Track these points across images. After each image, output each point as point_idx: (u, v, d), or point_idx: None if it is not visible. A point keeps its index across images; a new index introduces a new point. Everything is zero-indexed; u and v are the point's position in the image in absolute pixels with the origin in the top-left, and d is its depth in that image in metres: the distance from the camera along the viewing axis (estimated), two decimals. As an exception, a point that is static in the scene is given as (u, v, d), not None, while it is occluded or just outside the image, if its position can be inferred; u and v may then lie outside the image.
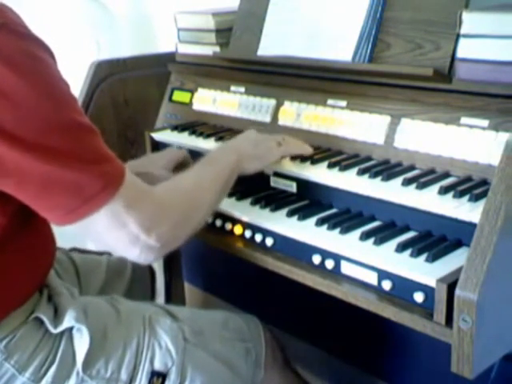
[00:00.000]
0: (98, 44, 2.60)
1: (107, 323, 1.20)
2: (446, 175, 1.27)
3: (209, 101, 1.79)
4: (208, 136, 1.66)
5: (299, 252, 1.23)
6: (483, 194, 1.12)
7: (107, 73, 1.88)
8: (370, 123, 1.41)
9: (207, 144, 1.62)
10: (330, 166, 1.36)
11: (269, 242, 1.28)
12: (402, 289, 1.07)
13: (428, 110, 1.33)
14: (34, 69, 0.96)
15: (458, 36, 1.29)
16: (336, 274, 1.17)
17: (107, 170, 1.01)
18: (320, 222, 1.25)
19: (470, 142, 1.25)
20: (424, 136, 1.32)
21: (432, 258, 1.08)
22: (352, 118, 1.45)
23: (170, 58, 1.96)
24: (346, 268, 1.15)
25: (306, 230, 1.24)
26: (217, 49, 1.82)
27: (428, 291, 1.02)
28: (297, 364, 1.50)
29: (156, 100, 1.94)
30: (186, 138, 1.70)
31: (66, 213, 0.99)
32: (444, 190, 1.18)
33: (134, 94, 1.94)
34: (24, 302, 1.13)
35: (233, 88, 1.75)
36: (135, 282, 1.58)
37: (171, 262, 1.91)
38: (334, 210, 1.33)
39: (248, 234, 1.32)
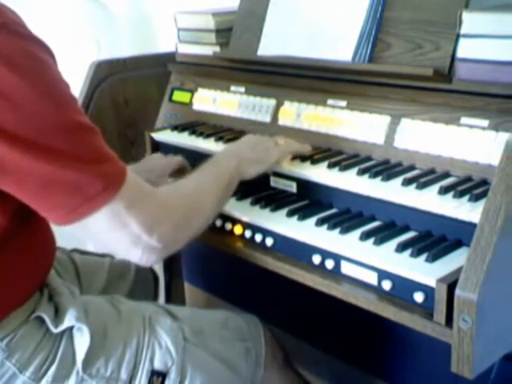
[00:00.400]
0: (98, 44, 2.60)
1: (107, 322, 1.20)
2: (446, 175, 1.27)
3: (209, 101, 1.79)
4: (208, 136, 1.66)
5: (299, 252, 1.23)
6: (483, 194, 1.12)
7: (107, 73, 1.88)
8: (370, 123, 1.41)
9: (207, 144, 1.62)
10: (330, 165, 1.37)
11: (269, 242, 1.28)
12: (402, 289, 1.07)
13: (428, 109, 1.33)
14: (34, 69, 0.96)
15: (458, 36, 1.29)
16: (336, 274, 1.17)
17: (108, 170, 1.01)
18: (320, 222, 1.25)
19: (470, 141, 1.25)
20: (424, 136, 1.32)
21: (432, 258, 1.08)
22: (352, 118, 1.45)
23: (170, 57, 1.96)
24: (346, 268, 1.15)
25: (305, 230, 1.24)
26: (217, 49, 1.82)
27: (428, 291, 1.02)
28: (297, 364, 1.50)
29: (156, 100, 1.94)
30: (186, 138, 1.70)
31: (67, 212, 0.99)
32: (444, 190, 1.18)
33: (134, 93, 1.94)
34: (25, 301, 1.13)
35: (233, 88, 1.75)
36: (138, 284, 1.58)
37: (171, 262, 1.92)
38: (333, 210, 1.33)
39: (248, 234, 1.32)
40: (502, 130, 1.21)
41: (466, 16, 1.27)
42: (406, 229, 1.22)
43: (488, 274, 0.94)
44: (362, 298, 1.11)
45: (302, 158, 1.42)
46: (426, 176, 1.26)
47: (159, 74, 1.95)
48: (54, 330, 1.13)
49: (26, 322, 1.12)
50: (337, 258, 1.16)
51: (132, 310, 1.26)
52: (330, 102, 1.51)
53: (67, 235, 1.38)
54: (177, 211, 1.12)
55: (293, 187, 1.41)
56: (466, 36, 1.28)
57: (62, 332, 1.14)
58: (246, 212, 1.34)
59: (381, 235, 1.17)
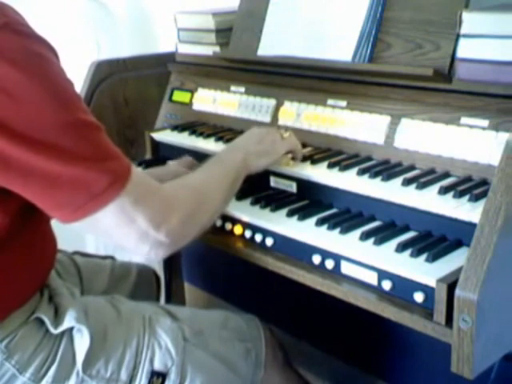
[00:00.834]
0: (97, 44, 2.60)
1: (107, 323, 1.20)
2: (446, 175, 1.27)
3: (209, 101, 1.79)
4: (208, 136, 1.66)
5: (299, 252, 1.23)
6: (483, 194, 1.12)
7: (107, 73, 1.88)
8: (370, 123, 1.41)
9: (207, 144, 1.62)
10: (330, 166, 1.37)
11: (269, 242, 1.28)
12: (402, 289, 1.07)
13: (428, 109, 1.33)
14: (37, 67, 0.96)
15: (458, 36, 1.30)
16: (336, 273, 1.17)
17: (113, 167, 1.01)
18: (320, 222, 1.25)
19: (470, 142, 1.25)
20: (424, 136, 1.32)
21: (432, 258, 1.08)
22: (352, 118, 1.45)
23: (170, 57, 1.97)
24: (346, 268, 1.15)
25: (306, 230, 1.24)
26: (217, 49, 1.82)
27: (428, 291, 1.02)
28: (297, 364, 1.50)
29: (156, 100, 1.94)
30: (186, 138, 1.70)
31: (73, 210, 0.99)
32: (444, 190, 1.18)
33: (134, 93, 1.94)
34: (25, 302, 1.13)
35: (233, 88, 1.75)
36: (140, 285, 1.58)
37: (171, 262, 1.91)
38: (334, 210, 1.33)
39: (248, 234, 1.32)
40: (502, 130, 1.21)
41: (466, 16, 1.27)
42: (406, 229, 1.22)
43: (488, 273, 0.94)
44: (362, 298, 1.11)
45: (302, 158, 1.42)
46: (426, 176, 1.26)
47: (159, 74, 1.95)
48: (54, 331, 1.12)
49: (26, 323, 1.12)
50: (337, 258, 1.16)
51: (132, 310, 1.26)
52: (330, 101, 1.51)
53: (68, 238, 1.39)
54: (184, 206, 1.11)
55: (293, 187, 1.41)
56: (466, 36, 1.28)
57: (62, 333, 1.14)
58: (246, 212, 1.34)
59: (381, 235, 1.17)
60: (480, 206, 1.04)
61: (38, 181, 0.97)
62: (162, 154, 1.79)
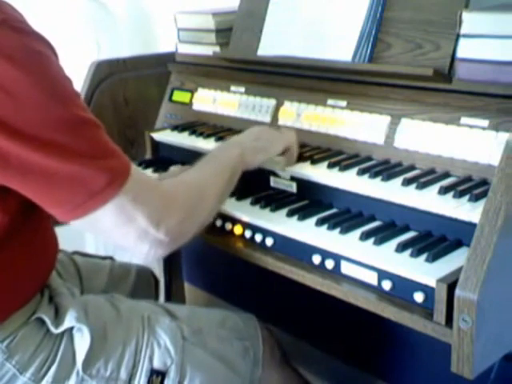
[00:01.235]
0: (98, 44, 2.60)
1: (107, 322, 1.20)
2: (446, 175, 1.27)
3: (209, 101, 1.79)
4: (208, 136, 1.66)
5: (299, 252, 1.23)
6: (483, 194, 1.12)
7: (107, 73, 1.88)
8: (370, 123, 1.41)
9: (207, 144, 1.62)
10: (330, 166, 1.37)
11: (269, 242, 1.28)
12: (402, 289, 1.07)
13: (428, 109, 1.33)
14: (36, 64, 0.96)
15: (458, 36, 1.30)
16: (336, 273, 1.17)
17: (112, 165, 1.01)
18: (320, 222, 1.25)
19: (470, 142, 1.25)
20: (424, 136, 1.32)
21: (432, 258, 1.08)
22: (352, 118, 1.45)
23: (169, 57, 1.96)
24: (346, 268, 1.15)
25: (306, 230, 1.24)
26: (217, 49, 1.82)
27: (428, 291, 1.02)
28: (296, 364, 1.50)
29: (156, 100, 1.94)
30: (186, 138, 1.70)
31: (72, 208, 0.99)
32: (444, 190, 1.18)
33: (134, 93, 1.94)
34: (26, 303, 1.13)
35: (233, 88, 1.75)
36: (139, 286, 1.58)
37: (171, 262, 1.92)
38: (333, 210, 1.33)
39: (248, 234, 1.32)
40: (502, 130, 1.21)
41: (466, 16, 1.27)
42: (406, 229, 1.22)
43: (488, 273, 0.94)
44: (362, 298, 1.11)
45: (302, 157, 1.42)
46: (426, 176, 1.26)
47: (159, 74, 1.95)
48: (55, 331, 1.13)
49: (27, 324, 1.12)
50: (337, 258, 1.16)
51: (131, 309, 1.26)
52: (330, 102, 1.51)
53: (67, 238, 1.39)
54: (182, 203, 1.11)
55: (293, 187, 1.41)
56: (466, 36, 1.28)
57: (62, 333, 1.14)
58: (246, 212, 1.34)
59: (381, 235, 1.17)
60: (480, 206, 1.04)
61: (37, 178, 0.96)
62: (162, 154, 1.79)
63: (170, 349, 1.20)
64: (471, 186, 1.19)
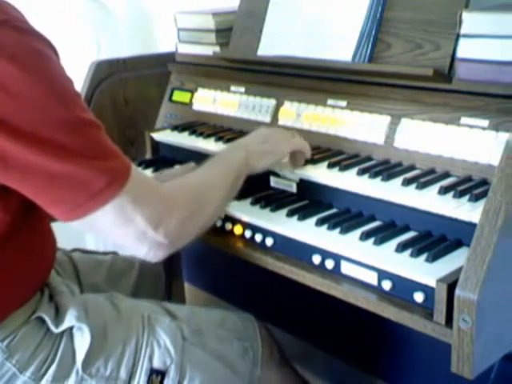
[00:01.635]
0: (98, 44, 2.60)
1: (107, 322, 1.20)
2: (446, 175, 1.27)
3: (209, 101, 1.79)
4: (208, 136, 1.66)
5: (299, 252, 1.23)
6: (483, 194, 1.12)
7: (107, 73, 1.88)
8: (370, 123, 1.41)
9: (207, 144, 1.62)
10: (330, 166, 1.37)
11: (269, 242, 1.28)
12: (402, 289, 1.07)
13: (428, 110, 1.33)
14: (37, 64, 0.96)
15: (457, 36, 1.30)
16: (336, 273, 1.17)
17: (112, 166, 1.01)
18: (320, 222, 1.25)
19: (470, 142, 1.25)
20: (424, 136, 1.32)
21: (432, 258, 1.08)
22: (352, 118, 1.45)
23: (170, 57, 1.97)
24: (346, 268, 1.15)
25: (306, 230, 1.24)
26: (217, 49, 1.82)
27: (428, 291, 1.02)
28: (297, 364, 1.50)
29: (156, 100, 1.94)
30: (186, 138, 1.70)
31: (72, 208, 0.99)
32: (444, 190, 1.18)
33: (134, 93, 1.94)
34: (25, 301, 1.13)
35: (233, 88, 1.75)
36: (142, 282, 1.57)
37: (171, 261, 1.91)
38: (334, 210, 1.33)
39: (248, 234, 1.32)
40: (502, 130, 1.21)
41: (466, 16, 1.27)
42: (406, 229, 1.22)
43: (488, 273, 0.94)
44: (362, 298, 1.11)
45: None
46: (425, 176, 1.26)
47: (159, 74, 1.95)
48: (55, 330, 1.13)
49: (27, 323, 1.12)
50: (337, 258, 1.16)
51: (131, 308, 1.26)
52: (330, 102, 1.51)
53: (67, 237, 1.39)
54: (183, 206, 1.11)
55: (293, 187, 1.41)
56: (466, 36, 1.28)
57: (62, 332, 1.14)
58: (246, 212, 1.34)
59: (381, 235, 1.17)
60: (480, 206, 1.04)
61: (36, 178, 0.97)
62: (162, 154, 1.79)
63: (170, 348, 1.20)
64: (471, 186, 1.19)
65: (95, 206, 0.99)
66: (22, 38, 0.96)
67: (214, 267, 2.21)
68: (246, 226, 1.32)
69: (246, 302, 1.96)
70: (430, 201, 1.18)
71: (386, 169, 1.32)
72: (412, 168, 1.32)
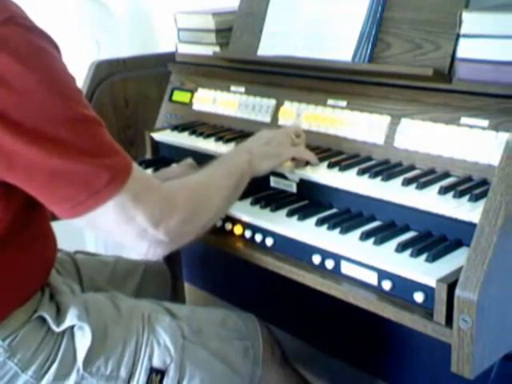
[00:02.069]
0: (98, 44, 2.60)
1: (108, 321, 1.20)
2: (446, 175, 1.27)
3: (209, 101, 1.79)
4: (208, 136, 1.66)
5: (299, 252, 1.23)
6: (483, 194, 1.12)
7: (107, 73, 1.88)
8: (370, 123, 1.41)
9: (207, 144, 1.62)
10: (330, 166, 1.37)
11: (269, 242, 1.28)
12: (402, 289, 1.07)
13: (428, 110, 1.33)
14: (40, 61, 0.96)
15: (458, 36, 1.30)
16: (336, 273, 1.17)
17: (114, 163, 1.01)
18: (320, 222, 1.25)
19: (470, 142, 1.25)
20: (424, 136, 1.32)
21: (432, 258, 1.08)
22: (352, 118, 1.45)
23: (170, 57, 1.97)
24: (346, 268, 1.15)
25: (306, 230, 1.24)
26: (217, 49, 1.82)
27: (428, 291, 1.02)
28: (296, 364, 1.51)
29: (156, 100, 1.94)
30: (186, 138, 1.70)
31: (73, 206, 0.99)
32: (444, 190, 1.18)
33: (134, 93, 1.94)
34: (26, 300, 1.13)
35: (233, 88, 1.75)
36: (146, 283, 1.57)
37: (171, 262, 1.91)
38: (334, 210, 1.33)
39: (248, 234, 1.32)
40: (502, 130, 1.21)
41: (466, 16, 1.27)
42: (406, 229, 1.22)
43: (488, 274, 0.94)
44: (362, 298, 1.11)
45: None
46: (425, 176, 1.26)
47: (159, 74, 1.95)
48: (56, 330, 1.13)
49: (29, 322, 1.12)
50: (337, 258, 1.16)
51: (132, 308, 1.26)
52: (330, 102, 1.51)
53: (67, 238, 1.39)
54: (183, 205, 1.11)
55: (293, 187, 1.41)
56: (466, 36, 1.28)
57: (64, 331, 1.14)
58: (246, 212, 1.34)
59: (381, 235, 1.17)
60: (480, 206, 1.04)
61: (38, 174, 0.97)
62: (162, 154, 1.79)
63: (170, 347, 1.20)
64: (471, 185, 1.19)
65: (96, 204, 0.99)
66: (24, 34, 0.96)
67: (214, 267, 2.21)
68: (245, 226, 1.33)
69: (246, 302, 1.96)
70: (430, 201, 1.18)
71: (386, 169, 1.32)
72: (412, 168, 1.32)
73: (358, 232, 1.20)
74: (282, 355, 1.42)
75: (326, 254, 1.18)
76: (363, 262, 1.12)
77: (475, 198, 1.14)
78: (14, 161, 0.95)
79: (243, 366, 1.29)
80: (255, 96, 1.68)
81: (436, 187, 1.20)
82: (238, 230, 1.34)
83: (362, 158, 1.40)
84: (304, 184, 1.39)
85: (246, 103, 1.69)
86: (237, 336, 1.31)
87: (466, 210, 1.12)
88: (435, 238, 1.16)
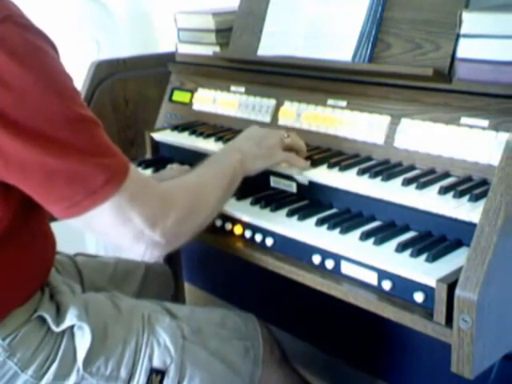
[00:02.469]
0: (97, 44, 2.60)
1: (108, 321, 1.20)
2: (446, 175, 1.27)
3: (209, 101, 1.79)
4: (208, 136, 1.66)
5: (299, 252, 1.23)
6: (483, 194, 1.12)
7: (107, 73, 1.88)
8: (370, 123, 1.41)
9: (207, 144, 1.62)
10: (330, 166, 1.37)
11: (269, 242, 1.28)
12: (402, 289, 1.07)
13: (428, 109, 1.33)
14: (37, 61, 0.96)
15: (458, 36, 1.30)
16: (336, 273, 1.17)
17: (111, 164, 1.01)
18: (320, 222, 1.25)
19: (470, 142, 1.25)
20: (424, 136, 1.32)
21: (432, 258, 1.08)
22: (352, 118, 1.45)
23: (170, 57, 1.97)
24: (346, 268, 1.15)
25: (306, 230, 1.24)
26: (217, 49, 1.82)
27: (428, 291, 1.02)
28: (296, 364, 1.51)
29: (156, 100, 1.94)
30: (186, 138, 1.70)
31: (70, 206, 0.99)
32: (444, 190, 1.18)
33: (134, 93, 1.94)
34: (26, 300, 1.13)
35: (233, 88, 1.75)
36: (148, 284, 1.57)
37: (171, 261, 1.92)
38: (334, 210, 1.32)
39: (248, 234, 1.32)
40: (502, 130, 1.21)
41: (466, 16, 1.27)
42: (406, 229, 1.22)
43: (488, 274, 0.94)
44: (362, 298, 1.11)
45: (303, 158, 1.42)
46: (425, 176, 1.26)
47: (159, 74, 1.95)
48: (56, 330, 1.13)
49: (29, 321, 1.12)
50: (337, 258, 1.16)
51: (132, 308, 1.26)
52: (330, 102, 1.51)
53: (68, 240, 1.39)
54: (180, 206, 1.11)
55: (293, 187, 1.41)
56: (466, 36, 1.28)
57: (63, 330, 1.14)
58: (246, 212, 1.34)
59: (381, 235, 1.17)
60: (480, 206, 1.04)
61: (35, 174, 0.97)
62: (162, 154, 1.79)
63: (170, 348, 1.20)
64: (471, 186, 1.19)
65: (93, 204, 0.99)
66: (22, 33, 0.96)
67: (214, 267, 2.21)
68: (245, 225, 1.33)
69: (246, 302, 1.96)
70: (430, 201, 1.18)
71: (386, 169, 1.32)
72: (412, 168, 1.32)
73: (357, 232, 1.20)
74: (282, 355, 1.42)
75: (325, 254, 1.18)
76: (363, 261, 1.12)
77: (475, 198, 1.14)
78: (10, 160, 0.95)
79: (243, 366, 1.29)
80: (255, 96, 1.68)
81: (436, 187, 1.20)
82: (237, 230, 1.34)
83: (362, 158, 1.40)
84: (304, 184, 1.39)
85: (246, 103, 1.69)
86: (237, 336, 1.31)
87: (466, 210, 1.12)
88: (435, 238, 1.16)
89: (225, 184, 1.24)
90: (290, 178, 1.41)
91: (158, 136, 1.78)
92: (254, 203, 1.38)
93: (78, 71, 1.85)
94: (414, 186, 1.23)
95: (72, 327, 1.15)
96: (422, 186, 1.22)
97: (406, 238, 1.16)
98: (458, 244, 1.13)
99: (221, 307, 1.45)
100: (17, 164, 0.96)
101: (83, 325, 1.14)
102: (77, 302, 1.18)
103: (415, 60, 1.39)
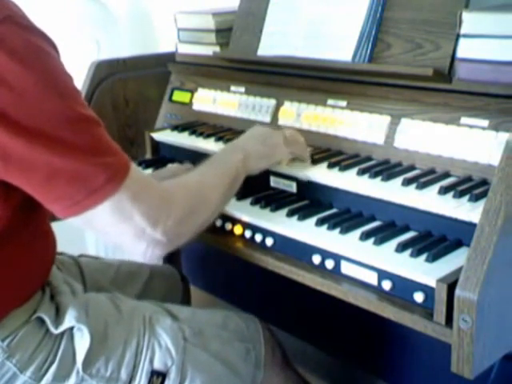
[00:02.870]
0: (97, 44, 2.60)
1: (108, 322, 1.20)
2: (446, 175, 1.27)
3: (209, 101, 1.79)
4: (208, 136, 1.66)
5: (299, 252, 1.23)
6: (483, 194, 1.12)
7: (107, 73, 1.88)
8: (370, 123, 1.41)
9: (207, 144, 1.62)
10: (330, 166, 1.37)
11: (269, 242, 1.28)
12: (402, 289, 1.07)
13: (428, 110, 1.33)
14: (38, 60, 0.96)
15: (458, 36, 1.30)
16: (336, 273, 1.17)
17: (112, 162, 1.01)
18: (320, 222, 1.25)
19: (470, 142, 1.25)
20: (424, 136, 1.32)
21: (432, 258, 1.08)
22: (352, 117, 1.45)
23: (170, 57, 1.97)
24: (346, 268, 1.15)
25: (306, 230, 1.24)
26: (217, 49, 1.82)
27: (428, 291, 1.02)
28: (297, 364, 1.50)
29: (156, 100, 1.94)
30: (186, 138, 1.70)
31: (71, 204, 0.99)
32: (444, 190, 1.18)
33: (134, 93, 1.94)
34: (26, 300, 1.13)
35: (233, 88, 1.75)
36: (152, 285, 1.56)
37: (171, 262, 1.92)
38: (334, 210, 1.33)
39: (248, 234, 1.32)
40: (502, 130, 1.21)
41: (466, 16, 1.27)
42: (406, 229, 1.22)
43: (488, 273, 0.94)
44: (362, 298, 1.11)
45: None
46: (425, 176, 1.26)
47: (159, 74, 1.95)
48: (54, 331, 1.12)
49: (28, 322, 1.12)
50: (337, 258, 1.16)
51: (132, 309, 1.26)
52: (330, 102, 1.51)
53: (68, 240, 1.39)
54: (181, 205, 1.11)
55: (293, 187, 1.41)
56: (466, 36, 1.28)
57: (63, 332, 1.14)
58: (246, 212, 1.34)
59: (381, 235, 1.17)
60: (480, 206, 1.04)
61: (36, 173, 0.97)
62: (162, 154, 1.79)
63: (171, 349, 1.20)
64: (471, 186, 1.19)
65: (94, 203, 0.99)
66: (22, 33, 0.97)
67: (214, 267, 2.21)
68: (245, 225, 1.32)
69: (246, 303, 1.96)
70: (430, 201, 1.18)
71: (386, 169, 1.32)
72: (412, 168, 1.32)
73: (357, 232, 1.20)
74: (284, 357, 1.42)
75: (325, 254, 1.18)
76: (363, 261, 1.12)
77: (475, 198, 1.14)
78: (11, 159, 0.95)
79: (244, 368, 1.29)
80: (255, 96, 1.68)
81: (436, 187, 1.20)
82: (238, 230, 1.34)
83: (362, 158, 1.40)
84: (304, 184, 1.39)
85: (246, 103, 1.69)
86: (238, 338, 1.31)
87: (466, 210, 1.12)
88: (435, 238, 1.16)
89: (227, 183, 1.24)
90: (290, 177, 1.41)
91: (158, 136, 1.78)
92: (254, 203, 1.38)
93: (78, 71, 1.84)
94: (413, 186, 1.23)
95: (71, 328, 1.14)
96: (422, 186, 1.22)
97: (406, 238, 1.16)
98: (458, 244, 1.13)
99: (222, 309, 1.45)
100: (18, 163, 0.96)
101: (82, 327, 1.13)
102: (76, 302, 1.18)
103: (415, 60, 1.39)
